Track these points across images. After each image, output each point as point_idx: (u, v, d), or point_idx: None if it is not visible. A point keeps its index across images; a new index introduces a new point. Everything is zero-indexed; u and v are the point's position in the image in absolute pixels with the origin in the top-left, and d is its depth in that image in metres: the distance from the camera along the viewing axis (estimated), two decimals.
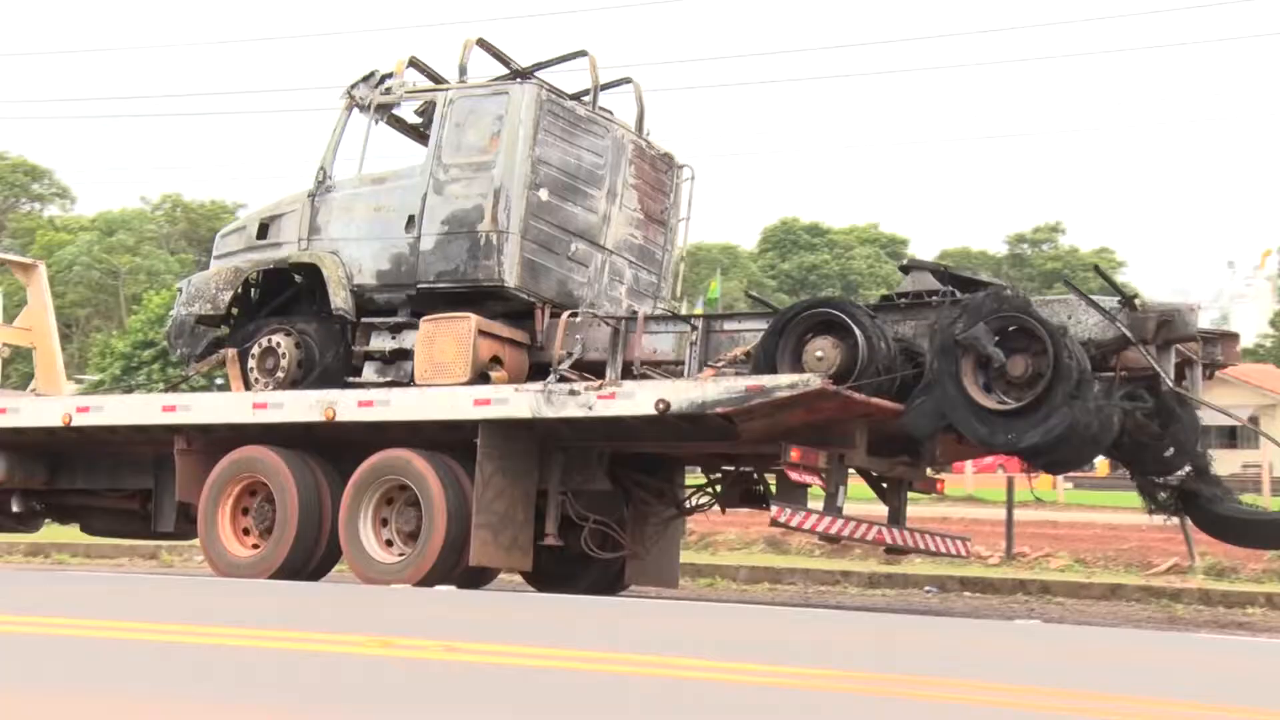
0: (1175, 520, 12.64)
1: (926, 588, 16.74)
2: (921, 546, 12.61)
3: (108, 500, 14.49)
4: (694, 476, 14.15)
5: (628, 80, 14.13)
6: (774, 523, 11.76)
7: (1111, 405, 11.06)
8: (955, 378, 11.08)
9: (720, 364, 11.96)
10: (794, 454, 11.26)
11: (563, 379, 12.15)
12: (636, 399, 11.46)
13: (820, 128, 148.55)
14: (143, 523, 14.16)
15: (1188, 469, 12.21)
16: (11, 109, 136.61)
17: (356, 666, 6.41)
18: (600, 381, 11.81)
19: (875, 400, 11.16)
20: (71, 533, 17.50)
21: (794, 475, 11.46)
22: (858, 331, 11.29)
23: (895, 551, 13.23)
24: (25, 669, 6.09)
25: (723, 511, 13.74)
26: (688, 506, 13.74)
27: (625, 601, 12.82)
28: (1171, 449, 12.12)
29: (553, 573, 13.31)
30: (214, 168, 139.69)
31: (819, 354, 11.41)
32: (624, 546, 12.88)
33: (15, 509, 14.49)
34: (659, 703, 5.63)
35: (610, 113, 14.04)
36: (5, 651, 6.64)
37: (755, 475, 13.19)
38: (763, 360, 11.58)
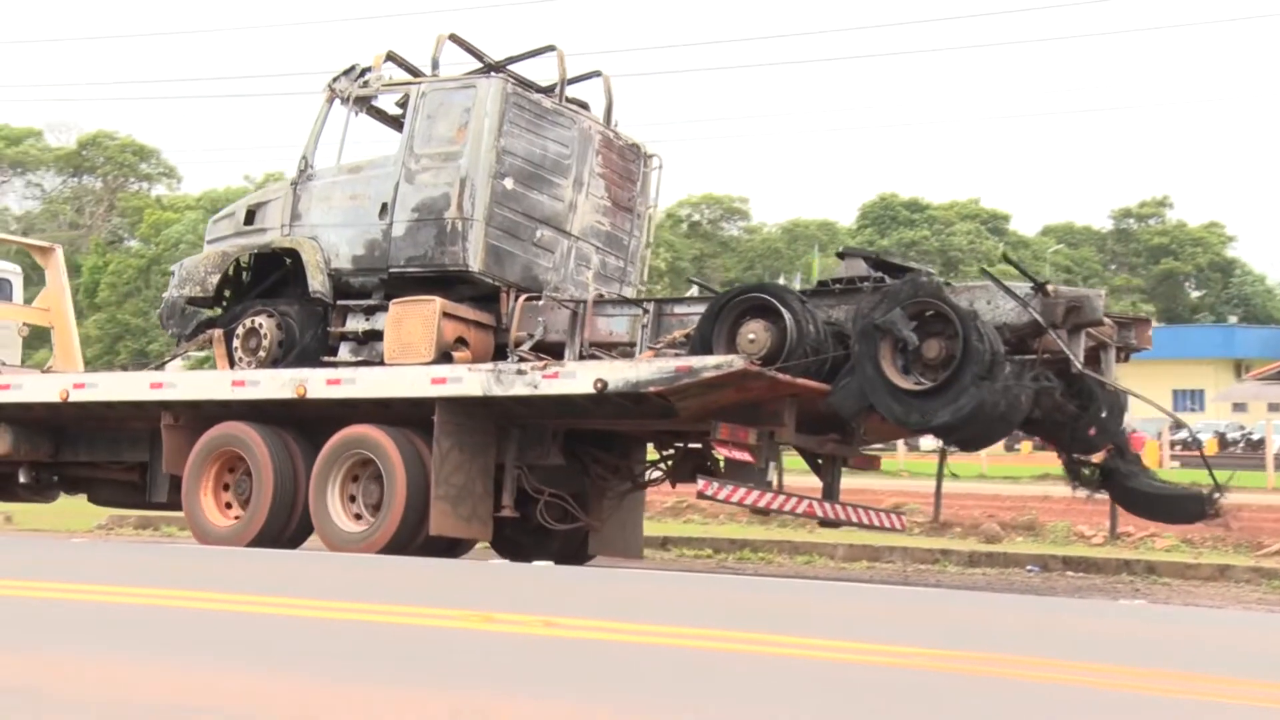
0: (1099, 495, 13.31)
1: (1029, 567, 16.80)
2: (854, 520, 13.35)
3: (110, 472, 15.50)
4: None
5: (597, 73, 15.00)
6: (700, 496, 12.55)
7: (1020, 386, 11.74)
8: (874, 360, 11.82)
9: (660, 346, 12.76)
10: (723, 431, 12.08)
11: (521, 359, 12.99)
12: (578, 378, 12.30)
13: (921, 102, 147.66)
14: (141, 494, 15.13)
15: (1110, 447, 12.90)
16: (120, 90, 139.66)
17: (466, 641, 6.65)
18: (545, 361, 12.67)
19: (801, 381, 11.91)
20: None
21: (723, 451, 12.29)
22: (787, 315, 12.06)
23: (828, 524, 13.91)
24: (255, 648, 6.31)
25: (673, 485, 14.50)
26: (643, 481, 14.49)
27: (722, 579, 13.52)
28: (1094, 429, 12.79)
29: (520, 543, 14.22)
30: (276, 150, 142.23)
31: (751, 336, 12.19)
32: (579, 519, 13.68)
33: (23, 480, 15.59)
34: (761, 678, 5.77)
35: (585, 105, 14.91)
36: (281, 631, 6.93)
37: (705, 451, 13.90)
38: (699, 343, 12.36)
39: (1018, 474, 35.55)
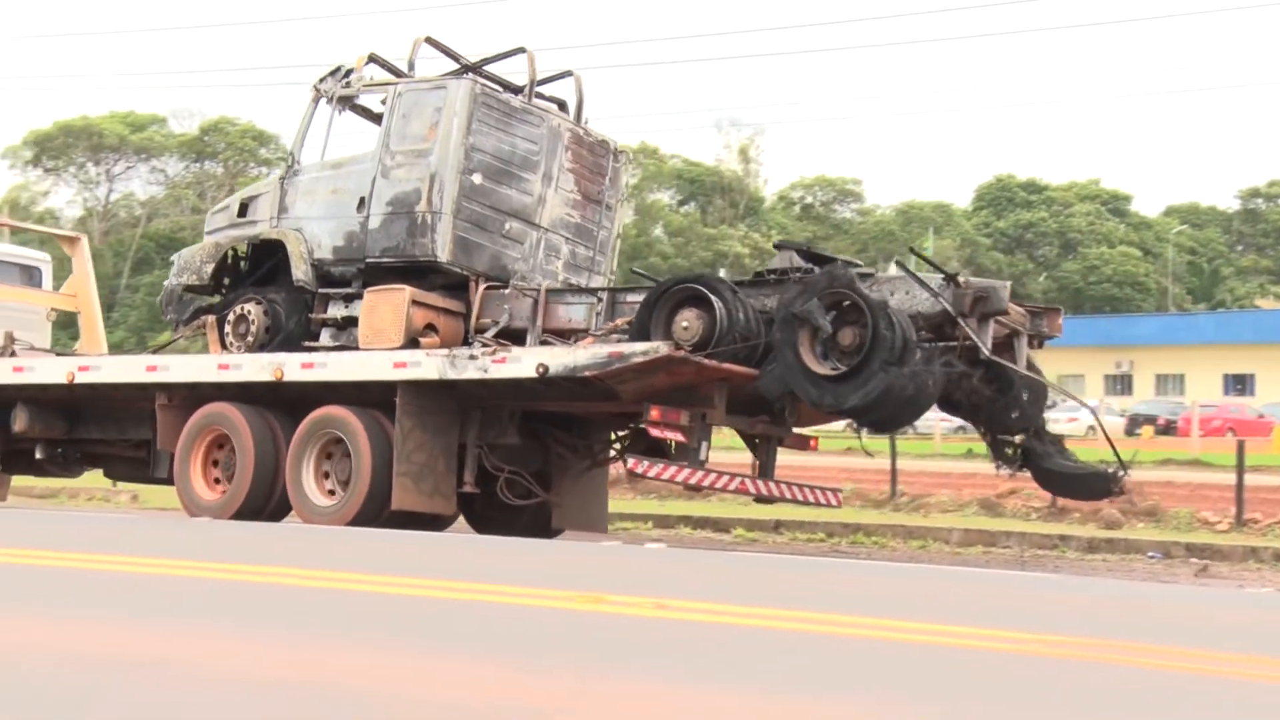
0: (1021, 473, 14.08)
1: (1150, 553, 16.69)
2: (789, 496, 14.24)
3: (119, 449, 16.76)
4: None
5: (569, 73, 15.96)
6: (631, 474, 13.47)
7: (929, 371, 12.59)
8: (793, 347, 12.71)
9: (601, 333, 13.68)
10: (654, 413, 13.05)
11: (478, 345, 13.97)
12: (523, 363, 13.33)
13: (1039, 82, 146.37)
14: (146, 469, 16.29)
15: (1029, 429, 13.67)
16: (241, 77, 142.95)
17: (573, 623, 6.90)
18: (494, 347, 13.66)
19: (727, 365, 12.85)
20: None
21: (655, 432, 13.22)
22: (718, 304, 12.95)
23: (763, 500, 14.68)
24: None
25: (624, 464, 15.20)
26: (602, 459, 15.38)
27: (839, 563, 14.03)
28: (1016, 412, 13.54)
29: (492, 517, 15.21)
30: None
31: (685, 324, 13.11)
32: (537, 495, 14.63)
33: (38, 456, 16.88)
34: (867, 661, 5.98)
35: (564, 104, 15.85)
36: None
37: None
38: (638, 330, 13.32)
39: (1139, 459, 35.78)
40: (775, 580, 10.07)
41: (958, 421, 62.38)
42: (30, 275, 19.82)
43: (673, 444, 13.94)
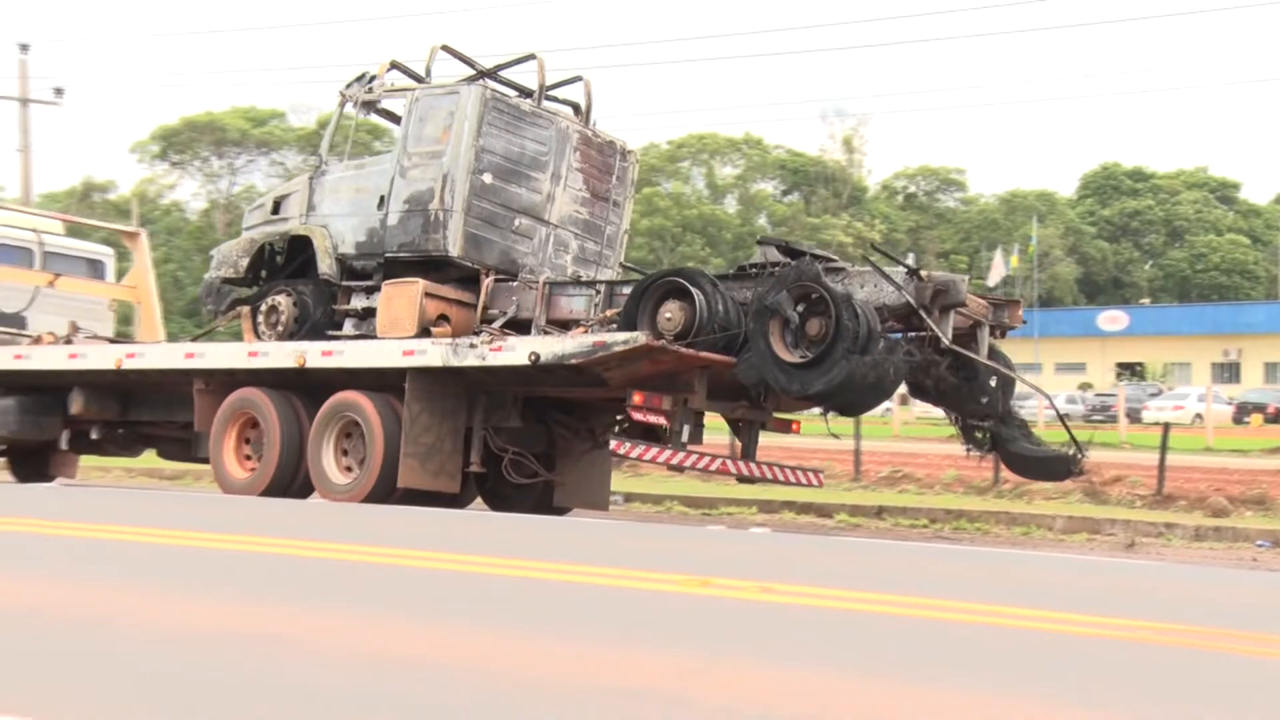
0: (990, 454, 14.68)
1: (1259, 542, 16.37)
2: (770, 477, 14.91)
3: (167, 430, 17.76)
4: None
5: (579, 78, 16.70)
6: (615, 455, 14.17)
7: (890, 360, 13.23)
8: (765, 336, 13.40)
9: (591, 323, 14.44)
10: (637, 398, 13.78)
11: (481, 335, 14.76)
12: (517, 351, 14.11)
13: (1145, 69, 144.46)
14: (191, 449, 17.27)
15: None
16: (350, 72, 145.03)
17: (682, 606, 7.00)
18: (492, 336, 14.45)
19: (705, 354, 13.55)
20: None
21: (638, 416, 13.92)
22: (698, 296, 13.65)
23: (745, 480, 15.32)
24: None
25: (617, 446, 15.74)
26: (602, 441, 16.09)
27: (942, 548, 14.05)
28: (985, 397, 14.14)
29: (504, 495, 16.00)
30: None
31: (668, 315, 13.83)
32: (539, 474, 15.41)
33: (94, 436, 17.95)
34: (967, 646, 6.03)
35: (577, 106, 16.62)
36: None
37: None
38: (625, 320, 14.04)
39: (1247, 447, 35.66)
40: (877, 564, 10.21)
41: (1062, 409, 62.47)
42: (95, 268, 20.94)
43: (665, 428, 14.69)
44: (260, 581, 7.68)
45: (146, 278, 20.70)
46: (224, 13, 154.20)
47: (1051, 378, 78.73)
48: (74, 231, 23.04)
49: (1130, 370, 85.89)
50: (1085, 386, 78.59)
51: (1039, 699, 4.85)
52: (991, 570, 10.47)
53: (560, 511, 16.09)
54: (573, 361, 13.74)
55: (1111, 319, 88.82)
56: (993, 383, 14.18)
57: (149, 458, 20.39)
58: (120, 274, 21.65)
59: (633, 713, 4.57)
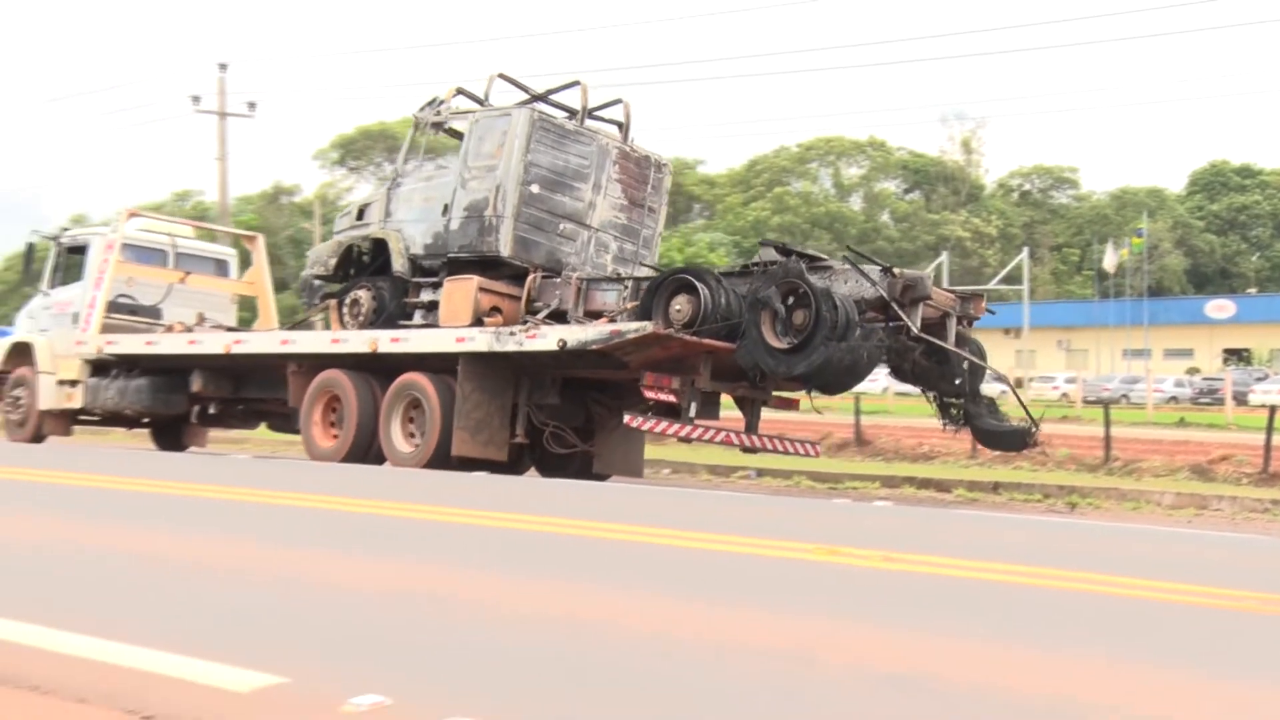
0: (963, 429, 15.40)
1: None
2: (770, 448, 15.72)
3: (273, 406, 19.02)
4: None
5: (618, 101, 17.69)
6: (628, 427, 15.15)
7: (865, 346, 14.04)
8: (757, 325, 14.27)
9: (613, 314, 15.41)
10: (648, 379, 14.72)
11: (526, 324, 15.80)
12: (548, 339, 15.15)
13: (1252, 71, 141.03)
14: (294, 423, 18.54)
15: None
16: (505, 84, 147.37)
17: (812, 572, 7.01)
18: (529, 325, 15.46)
19: (707, 340, 14.44)
20: None
21: (649, 394, 14.84)
22: (703, 291, 14.56)
23: (748, 450, 16.09)
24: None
25: (630, 420, 16.46)
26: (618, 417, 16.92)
27: (1054, 522, 13.96)
28: (959, 379, 14.90)
29: (548, 463, 17.03)
30: (677, 129, 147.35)
31: (678, 307, 14.73)
32: (576, 446, 16.44)
33: (212, 411, 19.34)
34: (1077, 613, 5.98)
35: (620, 124, 17.63)
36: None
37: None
38: (641, 312, 14.98)
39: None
40: (993, 536, 10.14)
41: (1170, 392, 62.21)
42: (220, 267, 22.32)
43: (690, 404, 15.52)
44: (435, 548, 7.92)
45: (263, 275, 22.01)
46: (394, 32, 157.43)
47: (1160, 363, 78.11)
48: (204, 235, 24.41)
49: (1237, 356, 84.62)
50: (1193, 371, 77.81)
51: (1150, 664, 4.89)
52: (1102, 542, 10.29)
53: (600, 478, 17.04)
54: (594, 347, 14.75)
55: (1219, 307, 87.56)
56: (964, 367, 14.90)
57: (262, 430, 21.76)
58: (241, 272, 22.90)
59: (765, 670, 4.64)
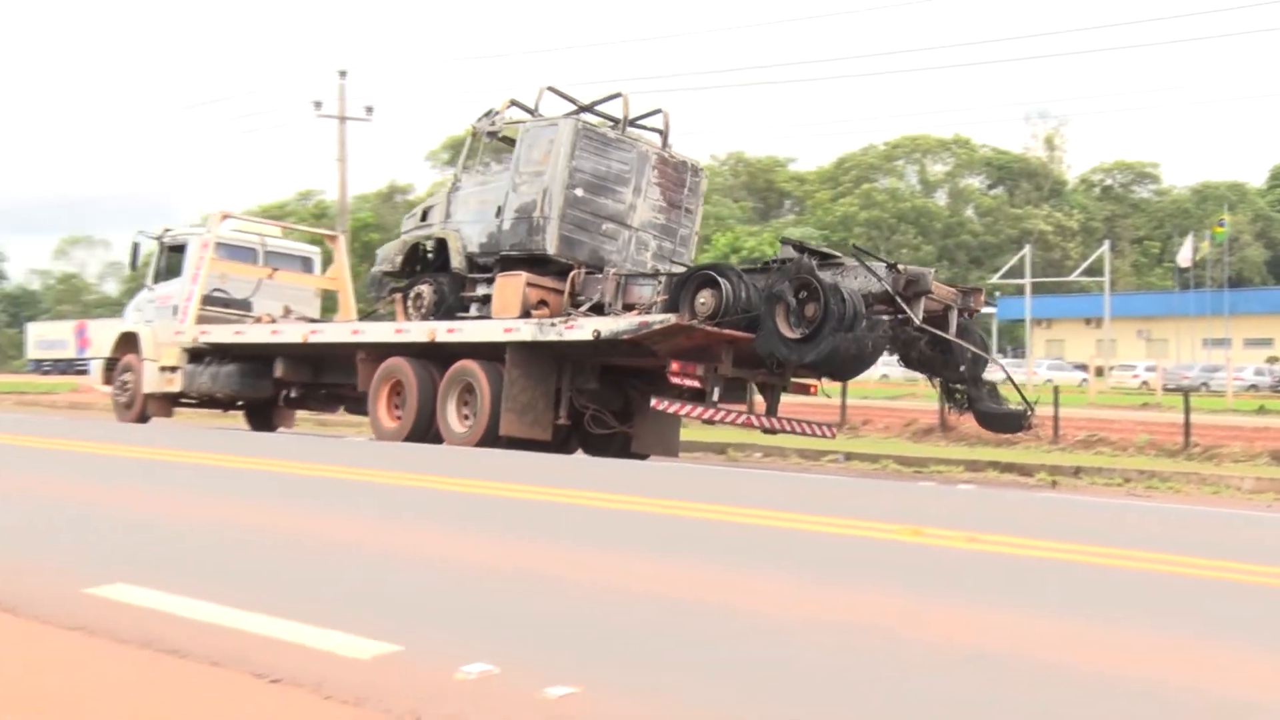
0: (966, 411, 15.96)
1: None
2: (788, 429, 16.32)
3: (348, 390, 19.86)
4: None
5: (658, 111, 18.37)
6: (641, 411, 15.84)
7: (870, 336, 14.62)
8: (772, 317, 14.89)
9: (643, 306, 16.12)
10: (674, 366, 15.41)
11: (564, 316, 16.54)
12: (584, 329, 15.89)
13: None
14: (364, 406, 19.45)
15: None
16: (611, 87, 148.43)
17: (898, 551, 7.01)
18: (568, 317, 16.22)
19: (728, 331, 15.08)
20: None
21: (675, 380, 15.51)
22: (725, 285, 15.21)
23: (768, 431, 16.66)
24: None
25: (657, 403, 16.97)
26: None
27: (1134, 505, 13.82)
28: (963, 366, 15.47)
29: (591, 443, 17.75)
30: (769, 129, 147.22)
31: (702, 300, 15.39)
32: (615, 427, 17.17)
33: (293, 394, 20.32)
34: (1157, 593, 5.96)
35: (661, 131, 18.30)
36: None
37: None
38: (670, 304, 15.65)
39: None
40: (1073, 519, 10.03)
41: (1250, 380, 61.58)
42: (305, 264, 23.32)
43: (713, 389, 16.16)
44: (534, 526, 8.11)
45: (343, 271, 23.00)
46: (501, 39, 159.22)
47: (1240, 352, 77.11)
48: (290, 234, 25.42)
49: None
50: (1273, 360, 76.89)
51: (1236, 646, 4.85)
52: (1177, 525, 10.16)
53: (640, 457, 17.75)
54: (625, 337, 15.47)
55: None
56: (967, 355, 15.45)
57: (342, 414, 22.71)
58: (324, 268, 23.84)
59: (851, 644, 4.68)
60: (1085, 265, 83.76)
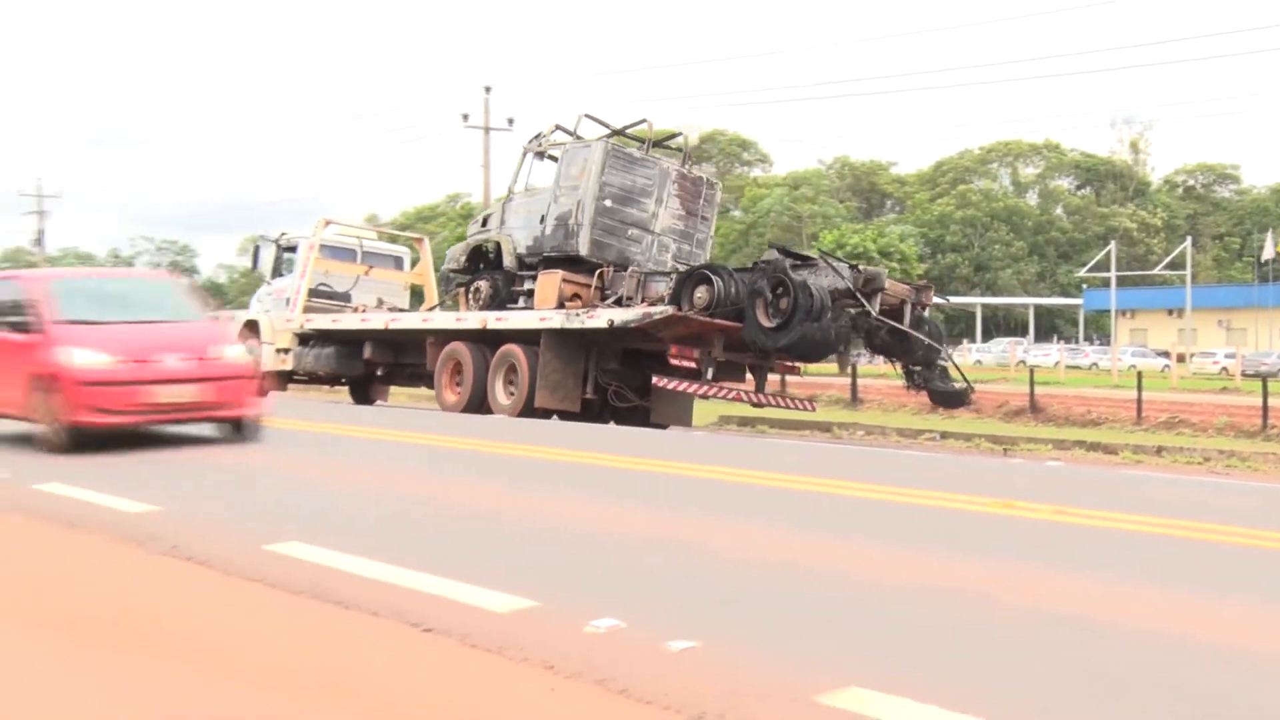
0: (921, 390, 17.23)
1: None
2: (773, 404, 17.76)
3: (422, 370, 21.62)
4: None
5: (678, 134, 19.81)
6: (655, 387, 17.36)
7: (834, 326, 16.05)
8: (753, 309, 16.34)
9: (651, 300, 17.62)
10: (673, 350, 16.94)
11: (594, 307, 18.12)
12: (601, 319, 17.45)
13: None
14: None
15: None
16: (729, 98, 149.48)
17: (990, 523, 6.97)
18: (591, 309, 17.78)
19: (719, 320, 16.57)
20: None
21: (675, 361, 17.00)
22: (716, 282, 16.70)
23: (756, 405, 18.12)
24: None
25: (658, 381, 18.21)
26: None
27: (1214, 483, 13.35)
28: (920, 351, 16.79)
29: (617, 413, 19.21)
30: (872, 135, 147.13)
31: (698, 295, 16.90)
32: (633, 401, 18.69)
33: (379, 373, 22.16)
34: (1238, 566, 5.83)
35: (682, 151, 19.75)
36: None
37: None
38: (673, 298, 17.15)
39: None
40: (1157, 494, 9.89)
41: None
42: (397, 262, 25.13)
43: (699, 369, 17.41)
44: (651, 495, 8.32)
45: (427, 268, 24.75)
46: (625, 56, 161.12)
47: None
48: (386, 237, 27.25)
49: None
50: None
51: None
52: (1259, 501, 10.02)
53: (660, 427, 19.19)
54: (632, 325, 17.00)
55: None
56: (925, 342, 16.76)
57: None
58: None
59: (950, 606, 4.68)
60: (1168, 260, 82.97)
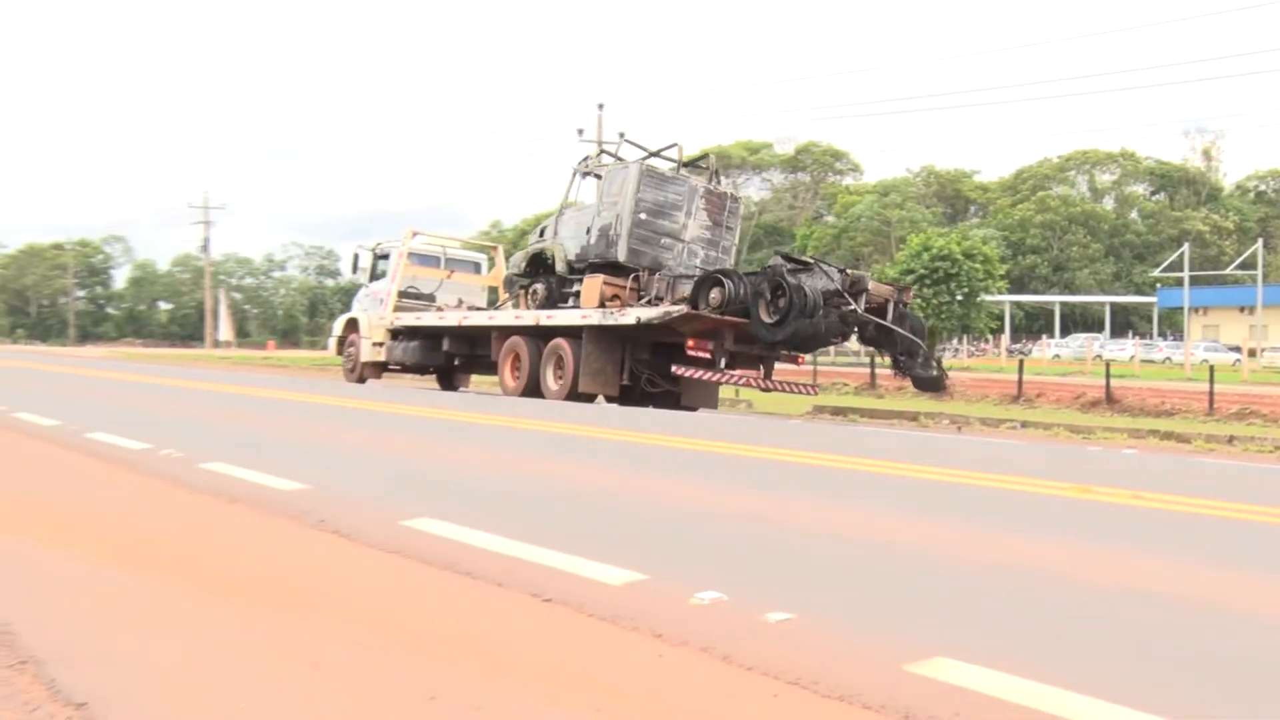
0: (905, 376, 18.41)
1: None
2: (779, 389, 19.10)
3: (493, 361, 23.27)
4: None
5: (706, 156, 21.23)
6: (673, 374, 18.78)
7: (825, 322, 17.32)
8: (756, 308, 17.72)
9: (674, 300, 19.07)
10: (690, 342, 18.35)
11: (627, 307, 19.61)
12: (630, 316, 18.90)
13: None
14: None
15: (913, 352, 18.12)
16: (822, 112, 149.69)
17: (1069, 506, 6.77)
18: (622, 307, 19.28)
19: (729, 318, 17.95)
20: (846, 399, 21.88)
21: (691, 352, 18.42)
22: (727, 284, 18.09)
23: (765, 390, 19.40)
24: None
25: (677, 369, 19.67)
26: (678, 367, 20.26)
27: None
28: (904, 343, 18.01)
29: (649, 397, 20.59)
30: (957, 145, 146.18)
31: (713, 295, 18.30)
32: (664, 387, 20.13)
33: (456, 362, 23.85)
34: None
35: (711, 170, 21.13)
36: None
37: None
38: (691, 298, 18.58)
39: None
40: (1227, 481, 9.62)
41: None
42: (476, 268, 26.84)
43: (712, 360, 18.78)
44: (749, 478, 8.21)
45: (502, 272, 26.37)
46: (727, 73, 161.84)
47: None
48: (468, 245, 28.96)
49: None
50: None
51: None
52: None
53: (689, 409, 20.55)
54: (655, 321, 18.45)
55: None
56: (909, 336, 17.97)
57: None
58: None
59: (1030, 583, 4.64)
60: (1240, 260, 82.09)
